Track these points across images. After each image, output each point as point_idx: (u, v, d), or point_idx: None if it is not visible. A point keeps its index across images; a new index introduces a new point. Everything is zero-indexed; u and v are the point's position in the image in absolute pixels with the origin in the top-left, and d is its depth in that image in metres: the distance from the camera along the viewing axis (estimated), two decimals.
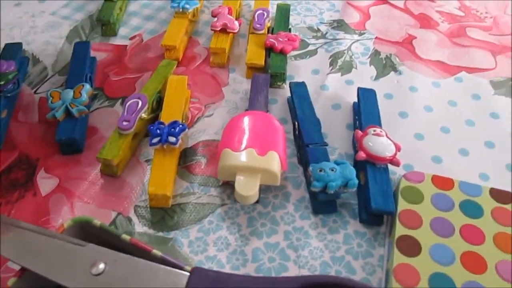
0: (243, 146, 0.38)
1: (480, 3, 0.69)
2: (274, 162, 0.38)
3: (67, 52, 0.55)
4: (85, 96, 0.44)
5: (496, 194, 0.40)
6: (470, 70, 0.56)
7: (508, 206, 0.39)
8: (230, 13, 0.56)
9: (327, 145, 0.43)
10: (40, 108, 0.49)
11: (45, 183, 0.42)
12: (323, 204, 0.40)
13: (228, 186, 0.42)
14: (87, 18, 0.62)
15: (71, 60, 0.50)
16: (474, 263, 0.35)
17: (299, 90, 0.48)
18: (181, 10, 0.55)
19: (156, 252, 0.30)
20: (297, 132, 0.45)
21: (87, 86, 0.45)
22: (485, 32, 0.63)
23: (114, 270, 0.29)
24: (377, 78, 0.54)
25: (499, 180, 0.43)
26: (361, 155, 0.40)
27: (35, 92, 0.51)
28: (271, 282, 0.26)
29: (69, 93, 0.44)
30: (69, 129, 0.43)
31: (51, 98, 0.44)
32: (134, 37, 0.58)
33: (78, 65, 0.49)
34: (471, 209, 0.39)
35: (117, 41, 0.58)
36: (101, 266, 0.29)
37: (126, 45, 0.57)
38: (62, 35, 0.58)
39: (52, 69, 0.54)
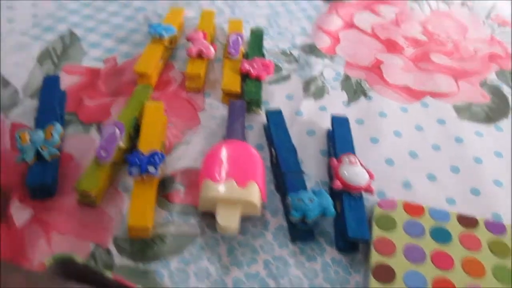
0: (223, 176, 0.39)
1: (442, 27, 0.72)
2: (254, 193, 0.39)
3: (38, 75, 0.55)
4: (56, 137, 0.43)
5: (463, 219, 0.42)
6: (435, 95, 0.59)
7: (474, 231, 0.41)
8: (205, 37, 0.57)
9: (304, 173, 0.44)
10: (12, 134, 0.48)
11: (20, 214, 0.41)
12: (301, 232, 0.41)
13: (207, 215, 0.42)
14: (58, 38, 0.61)
15: (40, 96, 0.49)
16: None
17: (276, 118, 0.50)
18: (157, 36, 0.55)
19: None
20: (274, 160, 0.46)
21: (58, 126, 0.44)
22: (447, 57, 0.66)
23: None
24: (348, 103, 0.56)
25: (465, 205, 0.46)
26: (337, 184, 0.42)
27: (6, 117, 0.50)
28: None
29: (39, 134, 0.43)
30: (40, 174, 0.41)
31: (19, 139, 0.42)
32: (108, 60, 0.58)
33: (47, 102, 0.48)
34: (441, 235, 0.41)
35: (90, 63, 0.57)
36: None
37: (100, 68, 0.56)
38: (33, 56, 0.57)
39: (23, 92, 0.53)
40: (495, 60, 0.66)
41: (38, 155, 0.42)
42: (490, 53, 0.68)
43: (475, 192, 0.47)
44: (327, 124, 0.52)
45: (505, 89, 0.61)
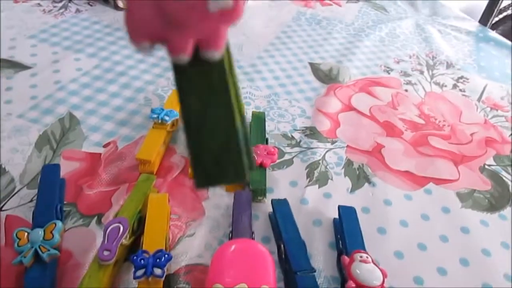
0: (234, 281, 0.37)
1: (437, 110, 0.74)
2: None
3: (36, 162, 0.53)
4: (57, 237, 0.41)
5: None
6: (437, 181, 0.59)
7: None
8: None
9: (315, 271, 0.43)
10: (7, 228, 0.45)
11: None
12: None
13: None
14: (57, 121, 0.60)
15: (39, 187, 0.47)
16: None
17: (282, 208, 0.49)
18: (160, 121, 0.55)
19: None
20: (283, 256, 0.44)
21: (60, 225, 0.42)
22: (445, 141, 0.67)
23: None
24: (352, 190, 0.55)
25: None
26: (351, 285, 0.40)
27: (1, 209, 0.47)
28: None
29: (39, 233, 0.41)
30: (38, 279, 0.39)
31: (17, 240, 0.40)
32: (108, 144, 0.57)
33: (47, 195, 0.46)
34: None
35: (90, 148, 0.56)
36: None
37: (100, 153, 0.55)
38: (31, 142, 0.56)
39: (20, 181, 0.51)
40: (491, 145, 0.67)
41: (36, 255, 0.40)
42: (486, 137, 0.69)
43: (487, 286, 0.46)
44: (332, 213, 0.51)
45: (504, 175, 0.62)
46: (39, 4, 0.88)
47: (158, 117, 0.55)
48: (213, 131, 0.22)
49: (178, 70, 0.21)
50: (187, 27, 0.19)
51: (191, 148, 0.22)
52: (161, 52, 0.78)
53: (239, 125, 0.22)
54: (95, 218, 0.47)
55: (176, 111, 0.58)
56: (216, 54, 0.20)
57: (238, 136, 0.22)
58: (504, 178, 0.61)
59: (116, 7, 0.89)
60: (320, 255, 0.47)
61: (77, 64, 0.72)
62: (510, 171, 0.63)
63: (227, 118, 0.22)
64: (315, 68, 0.80)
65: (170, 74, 0.72)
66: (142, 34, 0.19)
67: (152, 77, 0.71)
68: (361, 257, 0.43)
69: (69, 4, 0.89)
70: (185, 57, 0.20)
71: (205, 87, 0.21)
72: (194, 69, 0.21)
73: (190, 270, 0.44)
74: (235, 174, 0.22)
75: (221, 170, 0.22)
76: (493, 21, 1.56)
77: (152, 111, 0.56)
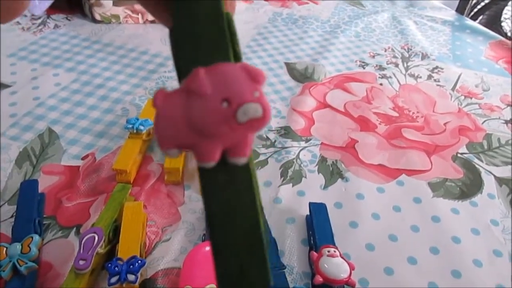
0: (205, 282, 0.39)
1: (411, 102, 0.75)
2: None
3: (17, 178, 0.55)
4: (34, 251, 0.43)
5: None
6: (409, 172, 0.60)
7: None
8: None
9: (285, 268, 0.44)
10: None
11: None
12: None
13: None
14: (36, 137, 0.61)
15: (17, 203, 0.48)
16: None
17: None
18: (135, 131, 0.56)
19: None
20: None
21: (36, 238, 0.44)
22: (418, 132, 0.68)
23: None
24: (326, 186, 0.57)
25: None
26: (318, 279, 0.42)
27: None
28: None
29: (17, 248, 0.42)
30: None
31: None
32: (87, 156, 0.58)
33: (25, 210, 0.47)
34: None
35: (69, 161, 0.58)
36: None
37: (78, 166, 0.57)
38: (11, 159, 0.57)
39: (1, 197, 0.52)
40: (464, 133, 0.69)
41: (15, 268, 0.41)
42: (459, 126, 0.70)
43: (456, 274, 0.48)
44: (305, 210, 0.52)
45: (477, 162, 0.63)
46: (18, 22, 0.89)
47: (133, 127, 0.57)
48: (238, 234, 0.20)
49: (203, 171, 0.21)
50: (215, 138, 0.19)
51: (214, 254, 0.21)
52: (138, 62, 0.80)
53: (263, 227, 0.21)
54: (74, 229, 0.49)
55: (151, 120, 0.59)
56: (242, 160, 0.20)
57: (263, 239, 0.20)
58: (476, 165, 0.63)
59: (94, 20, 0.91)
60: (293, 252, 0.49)
61: (55, 80, 0.73)
62: (482, 158, 0.64)
63: (252, 220, 0.20)
64: (290, 68, 0.82)
65: (147, 84, 0.74)
66: (171, 143, 0.19)
67: (129, 87, 0.73)
68: (328, 251, 0.44)
69: (48, 20, 0.91)
70: (212, 164, 0.20)
71: (231, 189, 0.20)
72: (220, 171, 0.20)
73: (166, 274, 0.45)
74: (260, 280, 0.20)
75: (247, 279, 0.20)
76: (476, 8, 1.57)
77: (127, 121, 0.58)
